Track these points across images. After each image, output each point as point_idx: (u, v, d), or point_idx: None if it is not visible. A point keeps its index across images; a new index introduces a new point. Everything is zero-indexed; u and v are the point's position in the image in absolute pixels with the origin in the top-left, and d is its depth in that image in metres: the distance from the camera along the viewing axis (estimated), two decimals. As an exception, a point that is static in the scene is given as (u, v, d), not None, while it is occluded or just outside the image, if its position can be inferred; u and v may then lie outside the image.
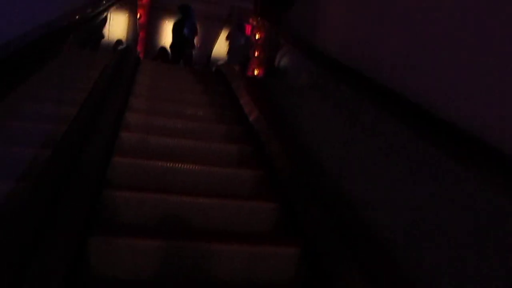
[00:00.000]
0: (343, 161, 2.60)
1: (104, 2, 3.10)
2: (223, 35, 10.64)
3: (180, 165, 2.64)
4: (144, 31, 10.21)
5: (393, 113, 2.04)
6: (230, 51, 9.00)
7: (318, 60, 3.17)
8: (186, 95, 4.50)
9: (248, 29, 7.68)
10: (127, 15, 5.29)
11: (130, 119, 3.28)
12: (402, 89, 2.11)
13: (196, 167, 2.69)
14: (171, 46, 8.72)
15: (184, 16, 8.47)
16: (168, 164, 2.62)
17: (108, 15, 3.46)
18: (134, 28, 6.47)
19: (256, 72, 6.66)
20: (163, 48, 10.12)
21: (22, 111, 1.88)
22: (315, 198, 2.54)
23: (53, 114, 2.24)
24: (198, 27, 8.81)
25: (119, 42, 4.56)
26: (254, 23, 6.84)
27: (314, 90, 3.31)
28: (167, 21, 11.73)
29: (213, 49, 11.43)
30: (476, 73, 1.72)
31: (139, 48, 8.67)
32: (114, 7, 3.78)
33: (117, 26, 4.38)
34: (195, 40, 8.72)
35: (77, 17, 2.39)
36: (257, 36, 7.17)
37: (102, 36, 3.44)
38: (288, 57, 4.30)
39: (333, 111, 2.87)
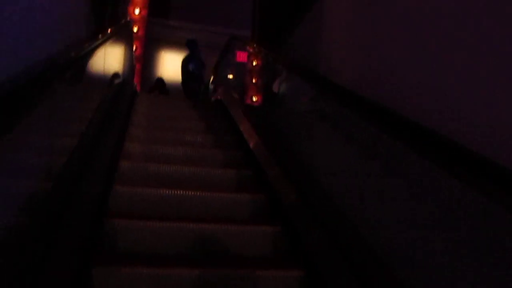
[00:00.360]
0: (345, 184, 2.69)
1: (100, 36, 3.27)
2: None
3: (181, 192, 2.74)
4: (140, 63, 10.47)
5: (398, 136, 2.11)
6: (217, 80, 9.19)
7: (321, 87, 3.29)
8: (185, 123, 4.64)
9: (239, 56, 7.88)
10: (123, 47, 5.50)
11: (130, 149, 3.41)
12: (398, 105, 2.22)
13: (197, 193, 2.78)
14: (181, 83, 8.96)
15: (190, 51, 8.74)
16: (168, 192, 2.72)
17: (104, 49, 3.63)
18: (130, 60, 6.68)
19: (254, 99, 6.84)
20: (160, 79, 10.34)
21: (22, 144, 1.99)
22: (317, 221, 2.62)
23: (54, 146, 2.35)
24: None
25: (116, 75, 4.72)
26: (251, 50, 7.07)
27: (315, 115, 3.41)
28: (163, 52, 12.05)
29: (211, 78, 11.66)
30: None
31: (135, 80, 8.89)
32: (111, 40, 3.96)
33: (113, 59, 4.56)
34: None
35: (73, 54, 2.54)
36: (254, 63, 7.39)
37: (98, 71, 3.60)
38: (288, 83, 4.45)
39: (335, 135, 2.98)
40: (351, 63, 3.29)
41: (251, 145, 3.93)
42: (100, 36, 3.30)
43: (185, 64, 8.76)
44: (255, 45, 6.55)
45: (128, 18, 9.93)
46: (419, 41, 2.37)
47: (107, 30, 4.09)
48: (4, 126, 1.44)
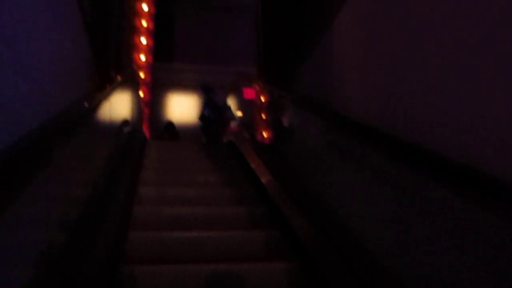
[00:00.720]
0: (363, 214, 2.74)
1: (108, 88, 3.46)
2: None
3: (195, 233, 2.84)
4: (148, 108, 10.76)
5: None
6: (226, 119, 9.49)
7: (330, 120, 3.39)
8: (198, 164, 4.78)
9: (247, 93, 8.11)
10: (131, 95, 5.72)
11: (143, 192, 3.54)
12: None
13: (212, 234, 2.88)
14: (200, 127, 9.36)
15: (205, 95, 9.12)
16: (182, 234, 2.82)
17: (113, 98, 3.81)
18: (138, 107, 6.92)
19: (265, 135, 6.98)
20: (170, 123, 10.56)
21: (40, 197, 2.12)
22: (336, 254, 2.66)
23: (69, 197, 2.49)
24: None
25: (125, 123, 4.91)
26: (257, 87, 7.28)
27: (331, 150, 3.48)
28: (170, 95, 12.37)
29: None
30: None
31: (145, 126, 9.16)
32: (119, 89, 4.17)
33: (122, 107, 4.76)
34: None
35: (86, 105, 2.72)
36: (262, 99, 7.58)
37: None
38: (297, 117, 4.57)
39: (348, 166, 3.05)
40: (363, 92, 3.38)
41: (263, 181, 4.03)
42: (108, 86, 3.49)
43: (201, 109, 9.13)
44: (261, 83, 6.74)
45: (134, 65, 10.32)
46: (438, 70, 2.41)
47: (115, 80, 4.30)
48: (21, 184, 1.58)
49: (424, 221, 2.12)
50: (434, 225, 2.03)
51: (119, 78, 4.52)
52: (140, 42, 11.00)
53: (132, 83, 6.08)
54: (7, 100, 2.75)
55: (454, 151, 2.00)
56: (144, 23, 11.15)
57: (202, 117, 8.95)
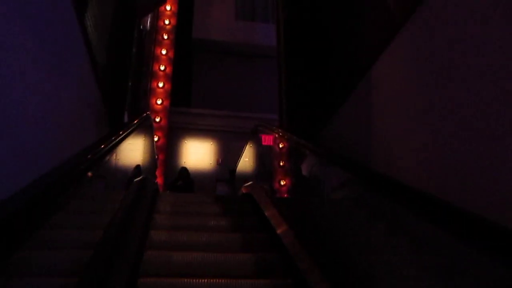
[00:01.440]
0: (385, 269, 2.73)
1: (120, 132, 3.60)
2: (248, 150, 11.27)
3: (208, 281, 2.84)
4: (164, 153, 10.93)
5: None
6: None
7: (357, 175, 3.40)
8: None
9: (265, 139, 8.27)
10: (144, 140, 5.87)
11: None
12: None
13: (226, 281, 2.88)
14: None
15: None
16: (193, 281, 2.82)
17: (122, 145, 3.93)
18: (152, 152, 7.07)
19: (282, 183, 7.03)
20: (184, 169, 10.65)
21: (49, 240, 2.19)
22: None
23: (79, 241, 2.55)
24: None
25: (137, 169, 5.02)
26: (277, 134, 7.40)
27: (348, 201, 3.49)
28: (186, 140, 12.56)
29: (238, 164, 11.98)
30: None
31: (158, 172, 9.30)
32: (131, 135, 4.30)
33: (133, 154, 4.88)
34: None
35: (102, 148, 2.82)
36: (281, 146, 7.68)
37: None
38: (318, 167, 4.60)
39: (365, 217, 3.07)
40: (410, 151, 3.33)
41: (278, 232, 4.03)
42: (120, 133, 3.62)
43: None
44: (281, 130, 6.85)
45: (150, 109, 10.62)
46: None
47: (128, 125, 4.44)
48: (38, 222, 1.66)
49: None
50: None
51: (133, 123, 4.68)
52: (158, 86, 11.38)
53: (146, 128, 6.25)
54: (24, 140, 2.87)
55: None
56: (162, 68, 11.57)
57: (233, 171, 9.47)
